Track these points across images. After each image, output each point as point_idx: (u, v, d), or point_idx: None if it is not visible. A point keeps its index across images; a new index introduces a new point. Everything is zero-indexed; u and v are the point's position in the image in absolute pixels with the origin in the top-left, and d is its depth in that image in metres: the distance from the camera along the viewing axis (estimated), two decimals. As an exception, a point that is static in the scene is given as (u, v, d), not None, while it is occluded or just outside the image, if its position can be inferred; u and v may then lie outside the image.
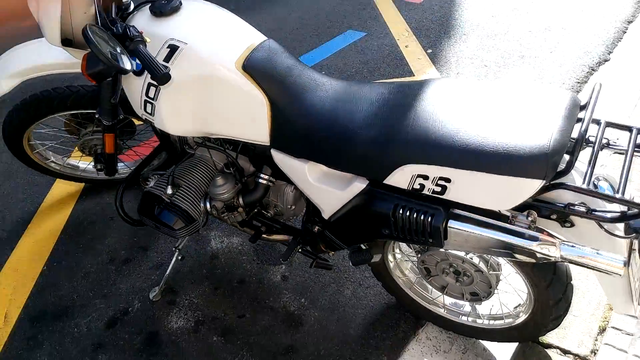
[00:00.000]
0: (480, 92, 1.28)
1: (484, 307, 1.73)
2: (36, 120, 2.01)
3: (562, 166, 1.16)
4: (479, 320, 1.69)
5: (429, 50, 3.45)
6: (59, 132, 2.19)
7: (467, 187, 1.20)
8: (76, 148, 2.14)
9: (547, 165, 1.10)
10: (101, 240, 2.22)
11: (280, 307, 1.93)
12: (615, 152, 1.24)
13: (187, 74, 1.42)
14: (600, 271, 1.16)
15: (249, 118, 1.44)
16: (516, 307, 1.63)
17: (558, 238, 1.19)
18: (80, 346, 1.83)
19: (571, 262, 1.18)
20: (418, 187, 1.26)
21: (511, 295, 1.67)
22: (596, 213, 1.13)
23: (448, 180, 1.21)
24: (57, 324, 1.90)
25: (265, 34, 1.57)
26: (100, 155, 1.99)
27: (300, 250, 1.75)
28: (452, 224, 1.27)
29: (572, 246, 1.17)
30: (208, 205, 1.71)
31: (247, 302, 1.95)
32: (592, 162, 1.15)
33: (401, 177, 1.27)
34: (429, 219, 1.28)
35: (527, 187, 1.14)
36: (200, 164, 1.70)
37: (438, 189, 1.24)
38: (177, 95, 1.46)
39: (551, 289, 1.39)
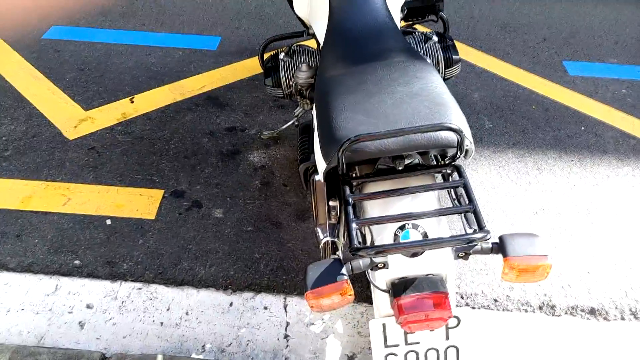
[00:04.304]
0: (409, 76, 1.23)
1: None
2: None
3: None
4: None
5: None
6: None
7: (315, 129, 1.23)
8: None
9: (333, 153, 1.06)
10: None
11: (302, 208, 2.08)
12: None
13: None
14: None
15: (321, 23, 1.59)
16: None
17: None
18: (199, 126, 2.43)
19: None
20: None
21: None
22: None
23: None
24: (210, 108, 2.55)
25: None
26: None
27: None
28: None
29: None
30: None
31: (299, 187, 2.17)
32: None
33: None
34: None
35: (321, 163, 1.12)
36: (311, 51, 1.91)
37: None
38: None
39: None
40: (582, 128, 2.49)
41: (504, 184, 2.19)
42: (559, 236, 1.97)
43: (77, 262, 1.84)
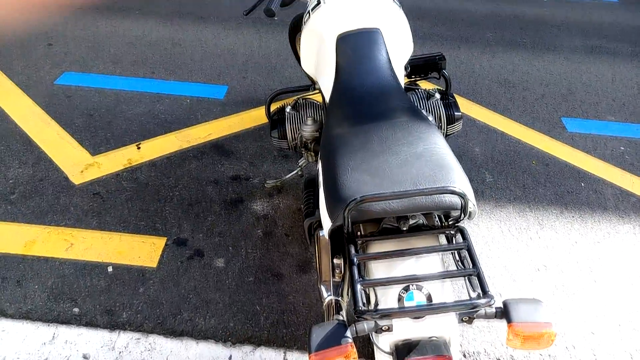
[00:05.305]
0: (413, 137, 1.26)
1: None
2: None
3: None
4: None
5: None
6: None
7: (321, 187, 1.23)
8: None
9: (338, 212, 1.08)
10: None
11: (304, 259, 2.08)
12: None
13: (314, 24, 1.76)
14: None
15: (328, 80, 1.65)
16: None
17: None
18: (204, 174, 2.47)
19: None
20: None
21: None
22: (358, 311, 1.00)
23: None
24: (215, 156, 2.60)
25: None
26: None
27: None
28: None
29: None
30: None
31: (301, 238, 2.18)
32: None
33: None
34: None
35: (326, 221, 1.12)
36: (316, 105, 1.97)
37: None
38: (308, 37, 1.81)
39: None
40: (582, 185, 2.52)
41: (505, 239, 2.20)
42: (562, 294, 1.96)
43: (76, 310, 1.82)
